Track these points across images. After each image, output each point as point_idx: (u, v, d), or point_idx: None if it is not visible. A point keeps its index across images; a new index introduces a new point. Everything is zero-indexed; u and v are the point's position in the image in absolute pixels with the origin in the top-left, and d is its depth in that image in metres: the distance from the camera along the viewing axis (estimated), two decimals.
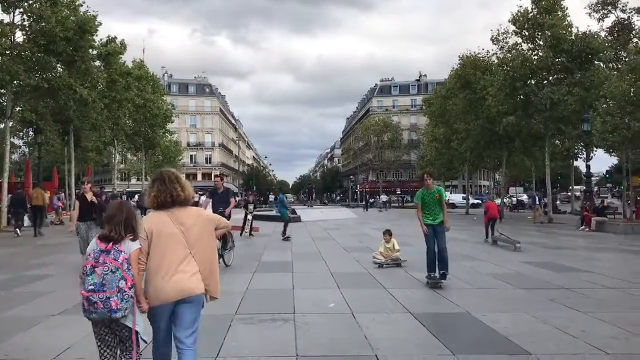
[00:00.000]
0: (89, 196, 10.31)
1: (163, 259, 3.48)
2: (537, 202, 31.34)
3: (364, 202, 61.54)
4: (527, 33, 28.12)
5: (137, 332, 3.53)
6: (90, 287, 3.27)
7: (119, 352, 3.56)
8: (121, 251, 3.36)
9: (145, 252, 3.49)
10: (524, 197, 55.37)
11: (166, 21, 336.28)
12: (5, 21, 21.92)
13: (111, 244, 3.36)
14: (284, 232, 17.25)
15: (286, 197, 20.01)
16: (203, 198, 16.91)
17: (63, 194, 30.80)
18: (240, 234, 18.26)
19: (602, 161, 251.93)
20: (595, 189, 62.68)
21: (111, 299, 3.28)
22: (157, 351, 3.63)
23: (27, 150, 45.14)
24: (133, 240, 3.45)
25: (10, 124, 25.54)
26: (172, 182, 3.67)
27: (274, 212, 33.12)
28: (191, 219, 3.62)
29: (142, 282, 3.47)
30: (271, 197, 62.74)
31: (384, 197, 56.94)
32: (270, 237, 18.60)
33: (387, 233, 11.25)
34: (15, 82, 22.11)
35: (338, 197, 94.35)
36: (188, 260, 3.56)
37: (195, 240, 3.59)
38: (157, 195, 3.62)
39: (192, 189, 3.84)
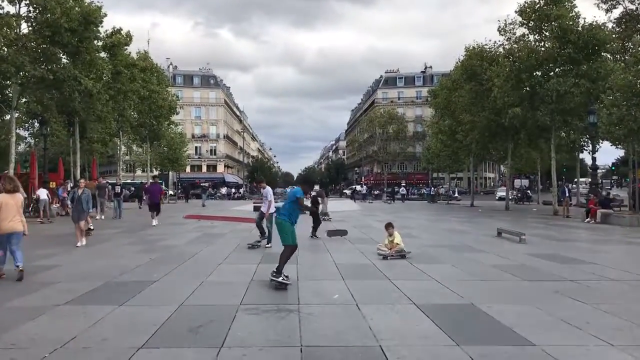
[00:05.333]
0: None
1: (7, 214, 8.35)
2: (567, 194, 28.89)
3: (388, 191, 58.09)
4: (533, 24, 27.89)
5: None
6: None
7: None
8: None
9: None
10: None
11: (169, 14, 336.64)
12: (10, 12, 21.95)
13: None
14: (278, 270, 7.85)
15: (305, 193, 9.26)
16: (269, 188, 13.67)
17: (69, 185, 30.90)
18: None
19: (608, 153, 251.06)
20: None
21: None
22: (4, 256, 8.47)
23: (32, 141, 45.29)
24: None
25: (16, 115, 25.61)
26: (12, 181, 8.73)
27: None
28: (19, 197, 8.66)
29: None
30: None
31: (402, 190, 56.15)
32: (274, 228, 18.59)
33: (390, 226, 11.26)
34: (20, 73, 22.13)
35: (342, 188, 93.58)
36: (17, 215, 8.49)
37: (19, 207, 8.58)
38: (4, 185, 8.62)
39: (20, 185, 8.98)
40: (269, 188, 13.31)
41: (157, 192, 20.48)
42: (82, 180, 13.96)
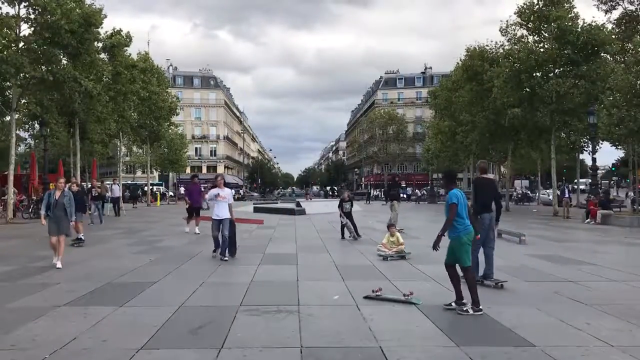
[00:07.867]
0: None
1: None
2: (568, 195, 28.04)
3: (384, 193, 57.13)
4: (532, 25, 27.91)
5: None
6: None
7: None
8: None
9: None
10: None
11: (168, 17, 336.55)
12: (10, 14, 21.97)
13: None
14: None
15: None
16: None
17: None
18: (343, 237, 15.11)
19: (608, 154, 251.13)
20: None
21: None
22: None
23: (32, 142, 45.30)
24: None
25: (16, 116, 25.63)
26: None
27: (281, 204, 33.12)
28: None
29: None
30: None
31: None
32: (274, 229, 18.62)
33: (392, 226, 11.41)
34: (20, 74, 22.15)
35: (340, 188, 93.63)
36: None
37: None
38: None
39: None
40: (227, 189, 11.50)
41: (198, 193, 17.04)
42: (61, 180, 10.59)
